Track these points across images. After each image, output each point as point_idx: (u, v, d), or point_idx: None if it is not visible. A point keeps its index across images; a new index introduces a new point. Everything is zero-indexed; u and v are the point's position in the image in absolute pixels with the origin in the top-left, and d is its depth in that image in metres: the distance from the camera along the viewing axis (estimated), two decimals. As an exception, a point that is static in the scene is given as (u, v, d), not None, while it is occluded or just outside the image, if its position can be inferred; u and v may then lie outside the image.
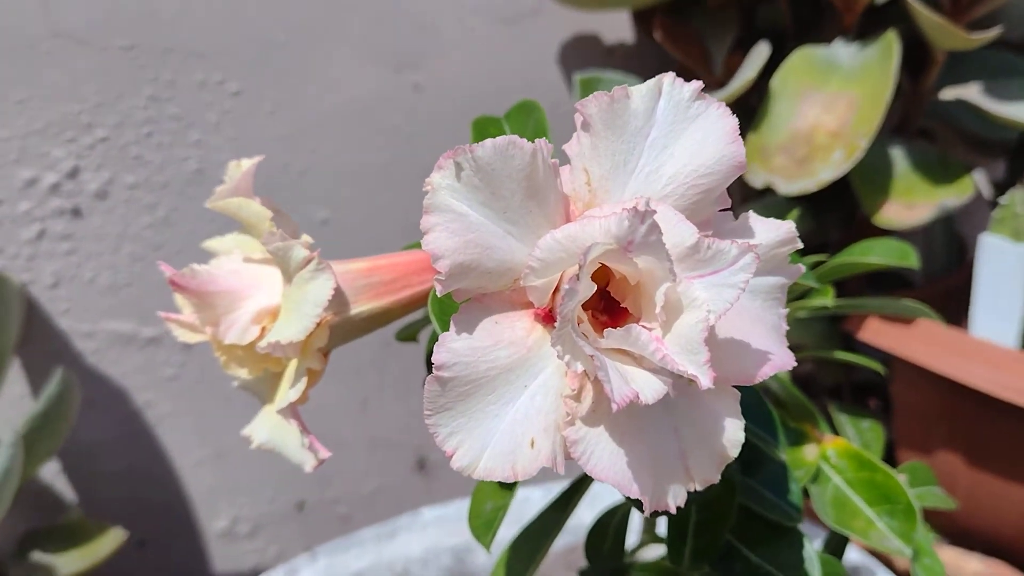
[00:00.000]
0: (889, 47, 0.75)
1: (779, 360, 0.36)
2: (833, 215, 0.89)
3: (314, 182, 0.93)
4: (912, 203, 0.79)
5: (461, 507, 0.92)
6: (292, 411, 0.41)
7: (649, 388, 0.32)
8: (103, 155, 0.85)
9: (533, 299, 0.35)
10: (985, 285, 0.83)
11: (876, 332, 0.84)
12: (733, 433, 0.35)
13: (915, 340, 0.82)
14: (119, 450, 0.91)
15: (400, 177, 0.96)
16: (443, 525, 0.92)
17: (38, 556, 0.78)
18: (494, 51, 0.97)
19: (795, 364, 0.36)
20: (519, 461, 0.33)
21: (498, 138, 0.33)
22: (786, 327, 0.37)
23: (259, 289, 0.42)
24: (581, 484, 0.53)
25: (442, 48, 0.95)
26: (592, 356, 0.31)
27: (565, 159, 0.36)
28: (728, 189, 0.36)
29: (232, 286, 0.42)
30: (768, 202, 0.82)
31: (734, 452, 0.35)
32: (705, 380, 0.31)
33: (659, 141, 0.35)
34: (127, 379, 0.90)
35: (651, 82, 0.35)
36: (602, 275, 0.35)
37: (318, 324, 0.40)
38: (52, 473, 0.91)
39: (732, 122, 0.35)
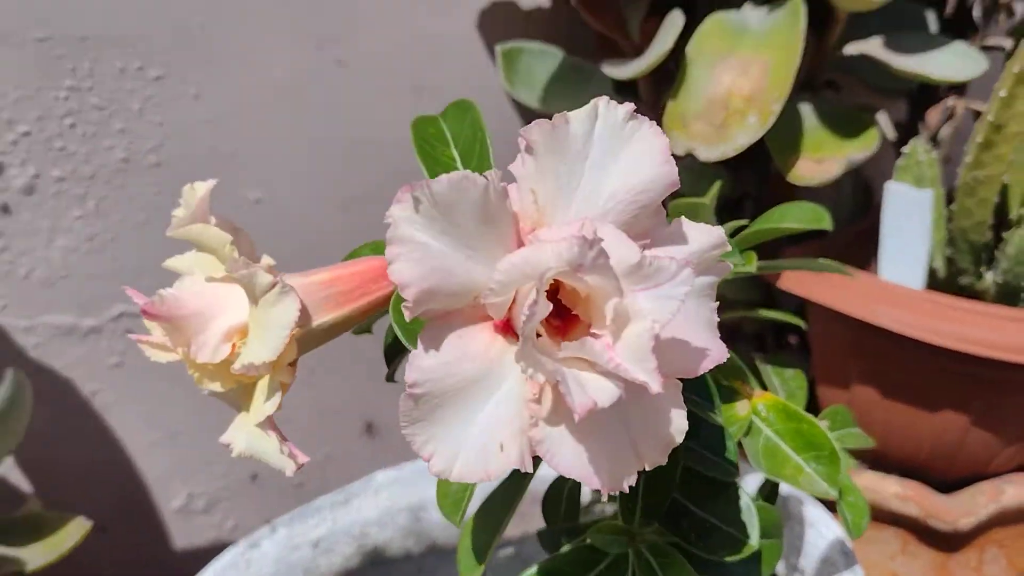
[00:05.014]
0: (796, 10, 0.79)
1: (716, 354, 0.39)
2: (749, 170, 0.93)
3: (244, 163, 0.94)
4: (821, 158, 0.84)
5: (412, 468, 0.96)
6: (270, 423, 0.44)
7: (604, 393, 0.36)
8: (27, 150, 0.84)
9: (492, 313, 0.38)
10: (891, 231, 0.88)
11: (792, 281, 0.90)
12: (678, 422, 0.39)
13: (828, 286, 0.87)
14: (71, 440, 0.92)
15: (329, 152, 0.97)
16: (396, 487, 0.95)
17: (2, 551, 0.79)
18: (414, 22, 0.98)
19: (728, 356, 0.40)
20: (491, 464, 0.37)
21: (452, 173, 0.35)
22: (717, 319, 0.41)
23: (225, 308, 0.44)
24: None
25: (362, 22, 0.96)
26: (554, 370, 0.35)
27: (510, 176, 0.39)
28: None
29: (199, 308, 0.44)
30: (687, 164, 0.85)
31: (679, 439, 0.39)
32: (655, 386, 0.35)
33: (599, 161, 0.38)
34: (71, 371, 0.91)
35: (588, 106, 0.38)
36: (553, 285, 0.38)
37: (287, 343, 0.42)
38: (6, 467, 0.92)
39: (663, 142, 0.38)
